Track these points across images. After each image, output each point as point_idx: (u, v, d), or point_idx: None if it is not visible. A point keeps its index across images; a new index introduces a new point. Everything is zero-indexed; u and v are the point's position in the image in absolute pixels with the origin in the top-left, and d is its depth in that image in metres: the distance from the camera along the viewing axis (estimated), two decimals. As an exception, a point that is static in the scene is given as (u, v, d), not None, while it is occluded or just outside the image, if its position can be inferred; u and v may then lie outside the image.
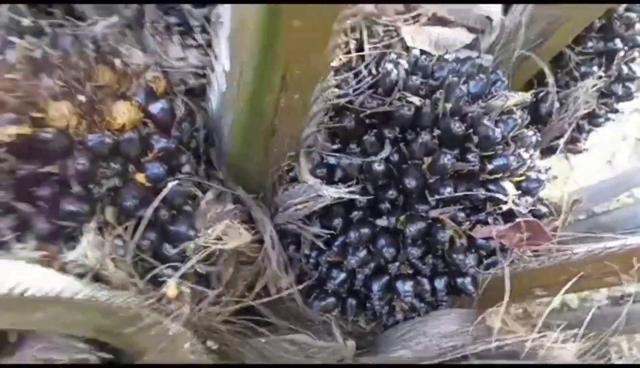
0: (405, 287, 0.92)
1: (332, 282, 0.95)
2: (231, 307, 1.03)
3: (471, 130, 0.84)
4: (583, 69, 1.09)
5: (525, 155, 0.88)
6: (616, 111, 1.20)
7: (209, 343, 1.18)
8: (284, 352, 1.04)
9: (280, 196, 0.90)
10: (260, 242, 0.94)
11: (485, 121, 0.84)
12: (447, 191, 0.83)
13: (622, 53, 1.11)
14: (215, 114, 0.92)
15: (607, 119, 1.19)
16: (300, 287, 0.94)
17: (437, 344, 0.93)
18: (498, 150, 0.86)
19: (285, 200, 0.88)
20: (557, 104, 1.08)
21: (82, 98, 0.81)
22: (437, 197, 0.83)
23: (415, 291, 0.94)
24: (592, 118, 1.17)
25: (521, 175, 0.89)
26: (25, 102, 0.79)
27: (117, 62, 0.90)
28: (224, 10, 0.79)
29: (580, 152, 1.25)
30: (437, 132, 0.84)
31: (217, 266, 0.95)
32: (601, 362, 0.92)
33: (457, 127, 0.82)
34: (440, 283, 0.95)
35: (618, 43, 1.11)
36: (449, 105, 0.83)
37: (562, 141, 1.10)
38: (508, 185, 0.87)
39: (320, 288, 0.98)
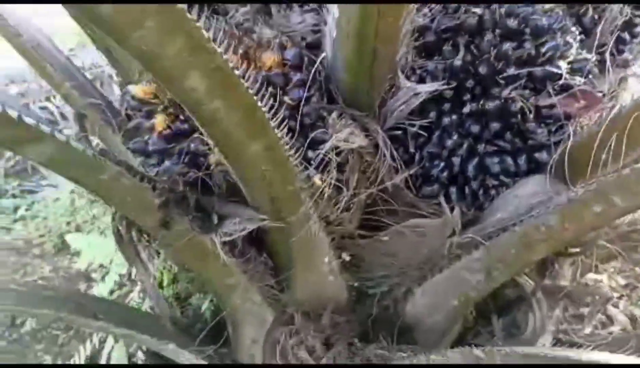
0: (493, 160, 1.19)
1: (435, 170, 1.23)
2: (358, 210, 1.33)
3: (523, 25, 1.12)
4: (613, -16, 1.34)
5: (570, 40, 1.14)
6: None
7: (343, 255, 1.46)
8: (404, 240, 1.31)
9: (387, 105, 1.20)
10: (375, 147, 1.24)
11: (534, 16, 1.11)
12: (512, 70, 1.10)
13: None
14: (330, 59, 1.25)
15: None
16: (411, 171, 1.22)
17: (526, 202, 1.18)
18: (547, 38, 1.13)
19: (391, 105, 1.18)
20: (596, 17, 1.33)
21: (241, 52, 1.17)
22: (504, 75, 1.10)
23: (502, 167, 1.20)
24: (630, 28, 1.40)
25: (571, 57, 1.15)
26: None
27: (255, 35, 1.26)
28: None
29: (627, 64, 1.47)
30: (497, 31, 1.13)
31: (345, 173, 1.26)
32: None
33: (512, 22, 1.11)
34: (521, 159, 1.21)
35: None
36: (503, 9, 1.12)
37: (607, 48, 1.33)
38: (561, 63, 1.13)
39: (426, 179, 1.26)
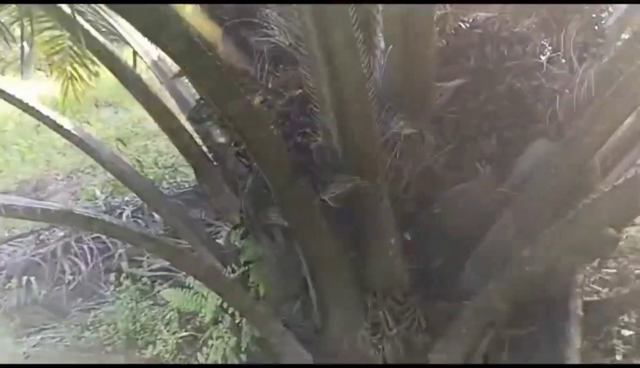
0: (508, 133, 1.66)
1: (467, 145, 1.69)
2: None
3: (511, 36, 1.66)
4: None
5: (544, 43, 1.68)
6: None
7: (405, 235, 1.86)
8: (452, 207, 1.73)
9: (425, 103, 1.70)
10: (421, 135, 1.71)
11: (517, 29, 1.66)
12: (509, 63, 1.62)
13: None
14: (380, 79, 1.75)
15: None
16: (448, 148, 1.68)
17: (537, 158, 1.63)
18: (528, 42, 1.66)
19: (429, 101, 1.68)
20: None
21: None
22: (504, 66, 1.62)
23: (515, 136, 1.67)
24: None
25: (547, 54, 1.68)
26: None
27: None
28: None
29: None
30: (494, 41, 1.66)
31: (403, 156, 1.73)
32: None
33: (503, 33, 1.64)
34: (528, 129, 1.68)
35: None
36: (496, 27, 1.66)
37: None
38: (542, 57, 1.65)
39: (461, 153, 1.72)
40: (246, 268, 2.00)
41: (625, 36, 1.88)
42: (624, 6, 2.09)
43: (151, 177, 5.69)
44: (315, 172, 1.59)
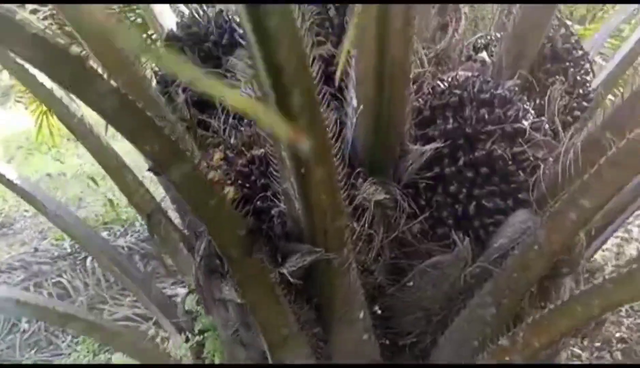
0: (488, 202, 1.53)
1: (443, 214, 1.56)
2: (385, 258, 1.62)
3: (492, 97, 1.54)
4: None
5: (528, 107, 1.56)
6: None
7: (375, 308, 1.70)
8: (426, 281, 1.59)
9: (399, 167, 1.56)
10: (395, 202, 1.57)
11: (498, 91, 1.54)
12: (489, 128, 1.50)
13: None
14: (351, 140, 1.63)
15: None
16: (423, 217, 1.54)
17: (519, 227, 1.50)
18: (510, 105, 1.54)
19: (403, 166, 1.55)
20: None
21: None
22: (484, 130, 1.49)
23: (495, 207, 1.54)
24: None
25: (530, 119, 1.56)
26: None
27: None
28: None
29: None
30: (474, 103, 1.54)
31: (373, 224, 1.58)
32: None
33: (484, 95, 1.53)
34: (509, 199, 1.55)
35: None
36: (476, 88, 1.55)
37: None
38: (525, 122, 1.53)
39: (437, 223, 1.58)
40: (202, 337, 1.82)
41: (612, 100, 1.77)
42: (609, 68, 2.01)
43: (124, 217, 5.55)
44: (276, 240, 1.44)
